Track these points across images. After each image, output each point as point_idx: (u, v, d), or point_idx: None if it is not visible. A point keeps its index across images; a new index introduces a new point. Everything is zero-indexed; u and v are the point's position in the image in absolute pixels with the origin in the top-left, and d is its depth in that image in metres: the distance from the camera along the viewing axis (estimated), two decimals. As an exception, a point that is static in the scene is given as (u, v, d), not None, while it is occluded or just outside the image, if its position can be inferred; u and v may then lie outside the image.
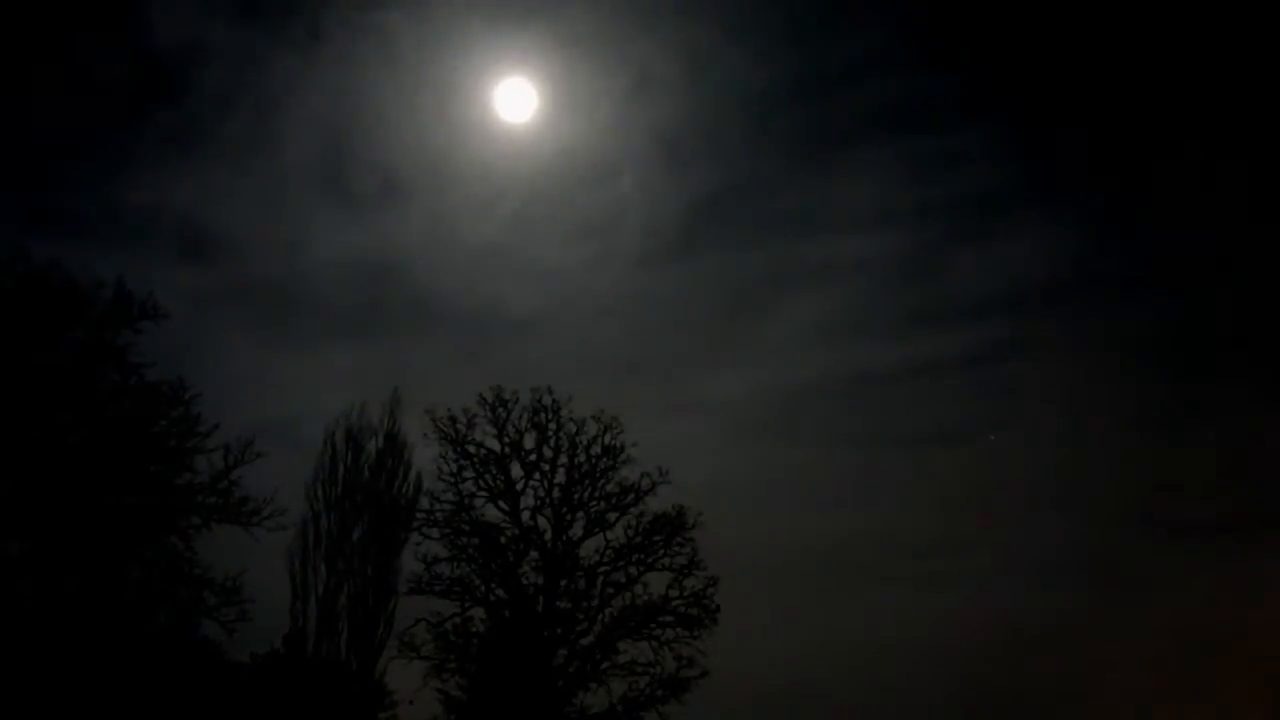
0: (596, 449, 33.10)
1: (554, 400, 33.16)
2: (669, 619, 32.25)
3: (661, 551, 32.75)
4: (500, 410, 33.11)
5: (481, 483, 33.01)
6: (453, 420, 33.02)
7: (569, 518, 32.95)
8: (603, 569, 32.61)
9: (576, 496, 33.04)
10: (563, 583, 32.34)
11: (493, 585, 32.43)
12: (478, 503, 32.93)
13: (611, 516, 32.93)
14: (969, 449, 41.71)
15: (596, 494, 33.08)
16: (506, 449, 33.11)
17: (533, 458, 33.07)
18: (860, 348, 45.85)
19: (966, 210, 46.27)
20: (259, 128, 42.30)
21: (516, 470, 33.10)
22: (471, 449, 33.04)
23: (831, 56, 46.18)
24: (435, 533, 32.50)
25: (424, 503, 33.00)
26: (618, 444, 33.12)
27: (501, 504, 32.96)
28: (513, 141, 43.70)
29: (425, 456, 33.30)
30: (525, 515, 32.84)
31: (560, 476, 33.10)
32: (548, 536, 32.75)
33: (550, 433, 33.11)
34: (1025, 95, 45.13)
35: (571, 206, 46.67)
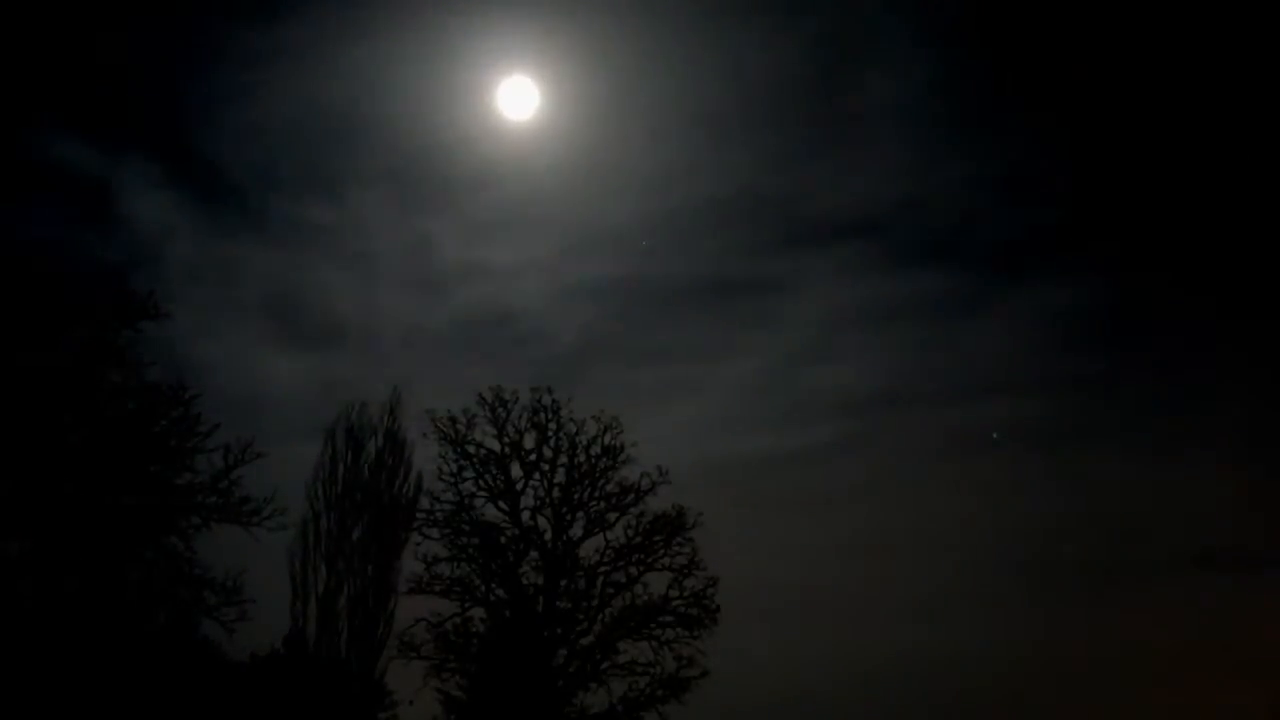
0: (596, 449, 33.10)
1: (554, 400, 33.18)
2: (669, 619, 32.24)
3: (661, 551, 32.75)
4: (500, 410, 33.11)
5: (481, 483, 33.01)
6: (452, 420, 33.03)
7: (569, 518, 32.94)
8: (603, 569, 32.62)
9: (576, 496, 33.02)
10: (563, 583, 32.34)
11: (493, 585, 32.43)
12: (478, 503, 32.96)
13: (611, 516, 32.93)
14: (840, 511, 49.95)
15: (596, 494, 33.07)
16: (506, 449, 33.11)
17: (533, 458, 33.05)
18: (733, 440, 57.25)
19: (803, 344, 59.76)
20: (223, 290, 52.65)
21: (516, 470, 33.11)
22: (471, 449, 33.05)
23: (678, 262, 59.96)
24: (435, 533, 32.53)
25: (424, 503, 33.07)
26: (617, 444, 33.12)
27: (501, 504, 32.97)
28: (423, 300, 58.10)
29: (425, 456, 33.41)
30: (525, 515, 32.86)
31: (560, 476, 33.10)
32: (548, 536, 32.76)
33: (550, 433, 33.11)
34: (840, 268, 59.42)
35: (477, 339, 58.51)
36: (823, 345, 60.67)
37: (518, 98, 46.26)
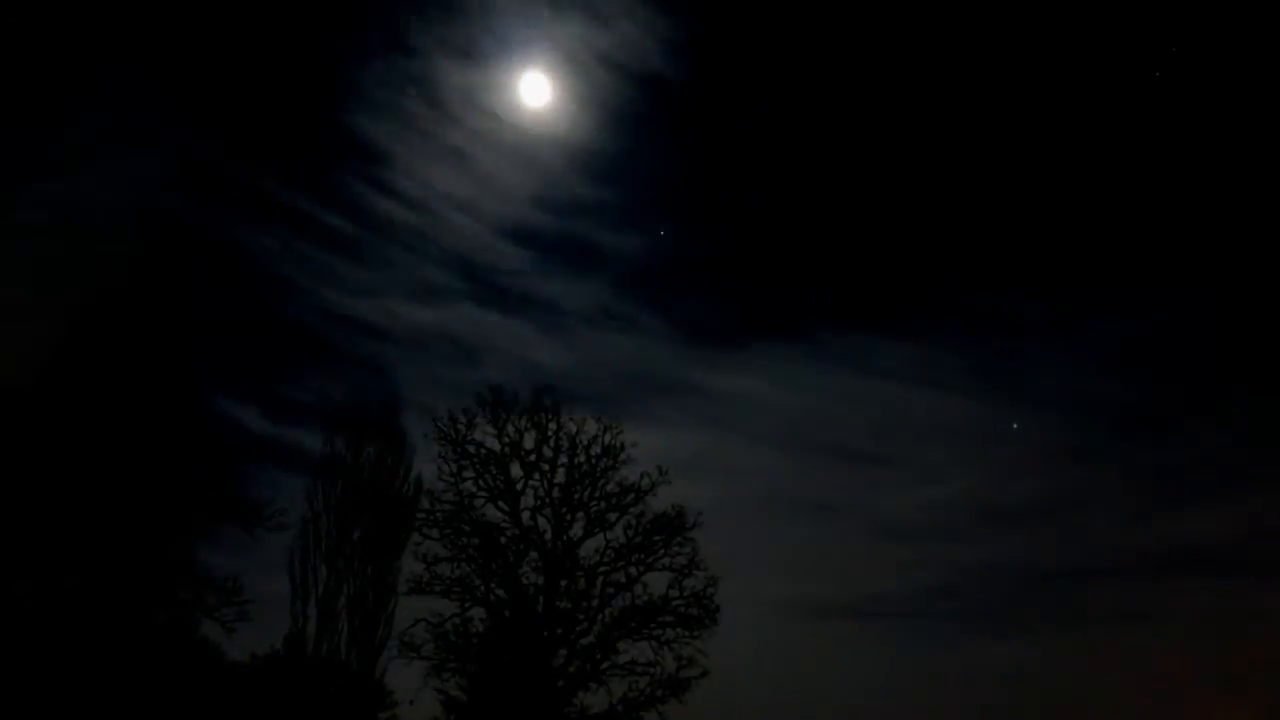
0: (596, 449, 33.05)
1: (554, 400, 33.19)
2: (669, 619, 32.18)
3: (661, 551, 32.69)
4: (500, 410, 33.05)
5: (481, 483, 32.94)
6: (453, 420, 32.97)
7: (569, 518, 32.90)
8: (603, 569, 32.55)
9: (576, 496, 32.97)
10: (563, 583, 32.29)
11: (493, 585, 32.39)
12: (478, 503, 32.87)
13: (611, 516, 32.86)
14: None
15: (596, 494, 33.00)
16: (506, 449, 33.05)
17: (533, 458, 32.99)
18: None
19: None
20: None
21: (516, 470, 33.00)
22: (471, 449, 32.99)
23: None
24: (435, 533, 32.42)
25: (424, 503, 33.07)
26: (617, 444, 33.05)
27: (501, 504, 32.90)
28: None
29: (425, 456, 33.42)
30: (525, 515, 32.79)
31: (560, 476, 33.05)
32: (548, 536, 32.71)
33: (550, 433, 33.06)
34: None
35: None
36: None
37: (534, 92, 45.76)
